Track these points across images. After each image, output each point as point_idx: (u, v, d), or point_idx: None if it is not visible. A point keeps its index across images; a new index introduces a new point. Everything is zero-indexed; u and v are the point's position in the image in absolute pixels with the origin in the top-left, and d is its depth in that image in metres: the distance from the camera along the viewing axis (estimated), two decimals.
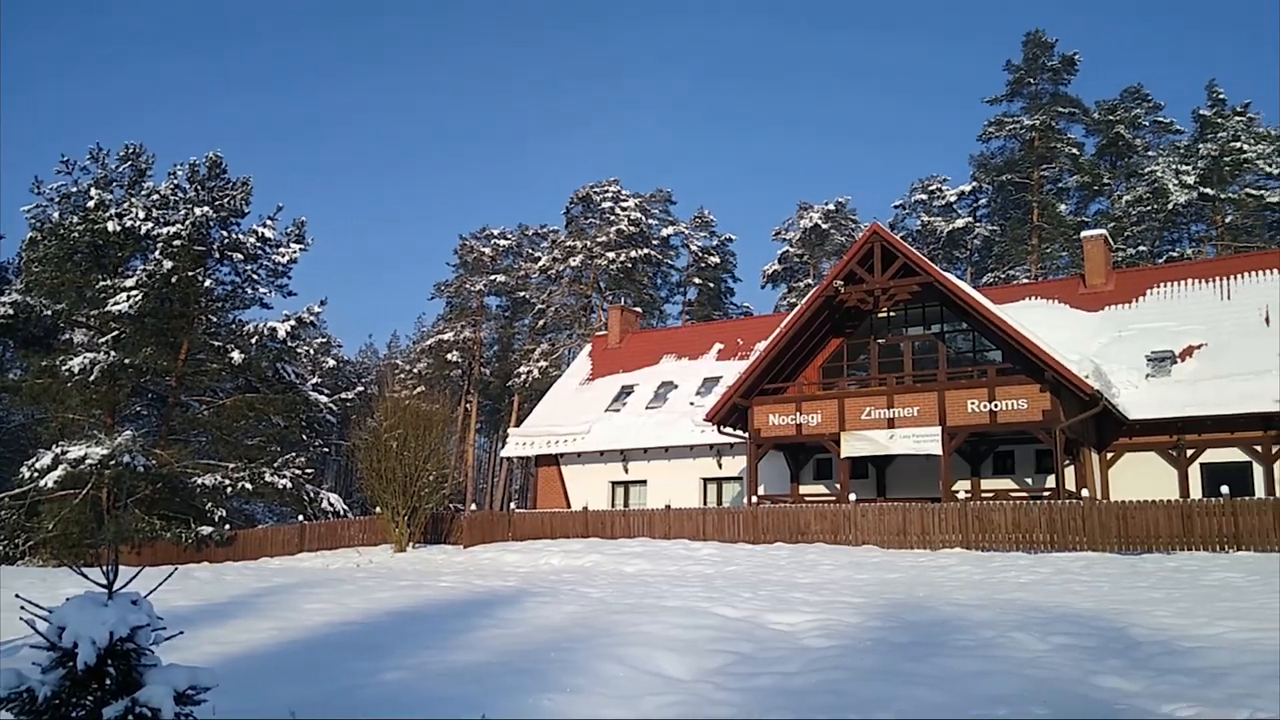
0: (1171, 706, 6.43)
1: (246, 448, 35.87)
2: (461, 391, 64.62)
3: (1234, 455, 24.75)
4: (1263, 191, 48.71)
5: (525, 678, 7.38)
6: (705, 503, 31.51)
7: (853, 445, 24.67)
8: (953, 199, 57.94)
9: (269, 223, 37.80)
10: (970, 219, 56.92)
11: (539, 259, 63.45)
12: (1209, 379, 24.86)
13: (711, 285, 64.44)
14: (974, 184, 56.97)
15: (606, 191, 62.64)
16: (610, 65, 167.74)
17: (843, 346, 27.51)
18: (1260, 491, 23.73)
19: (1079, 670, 7.56)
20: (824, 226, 60.97)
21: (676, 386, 34.64)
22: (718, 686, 7.29)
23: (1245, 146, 48.39)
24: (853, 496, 23.11)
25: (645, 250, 61.10)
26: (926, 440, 23.64)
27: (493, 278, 65.16)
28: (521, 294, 65.41)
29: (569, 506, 32.58)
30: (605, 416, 34.54)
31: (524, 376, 58.24)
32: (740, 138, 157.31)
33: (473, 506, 37.16)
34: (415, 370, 65.89)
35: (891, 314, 26.53)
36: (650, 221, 63.26)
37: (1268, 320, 26.22)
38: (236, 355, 34.18)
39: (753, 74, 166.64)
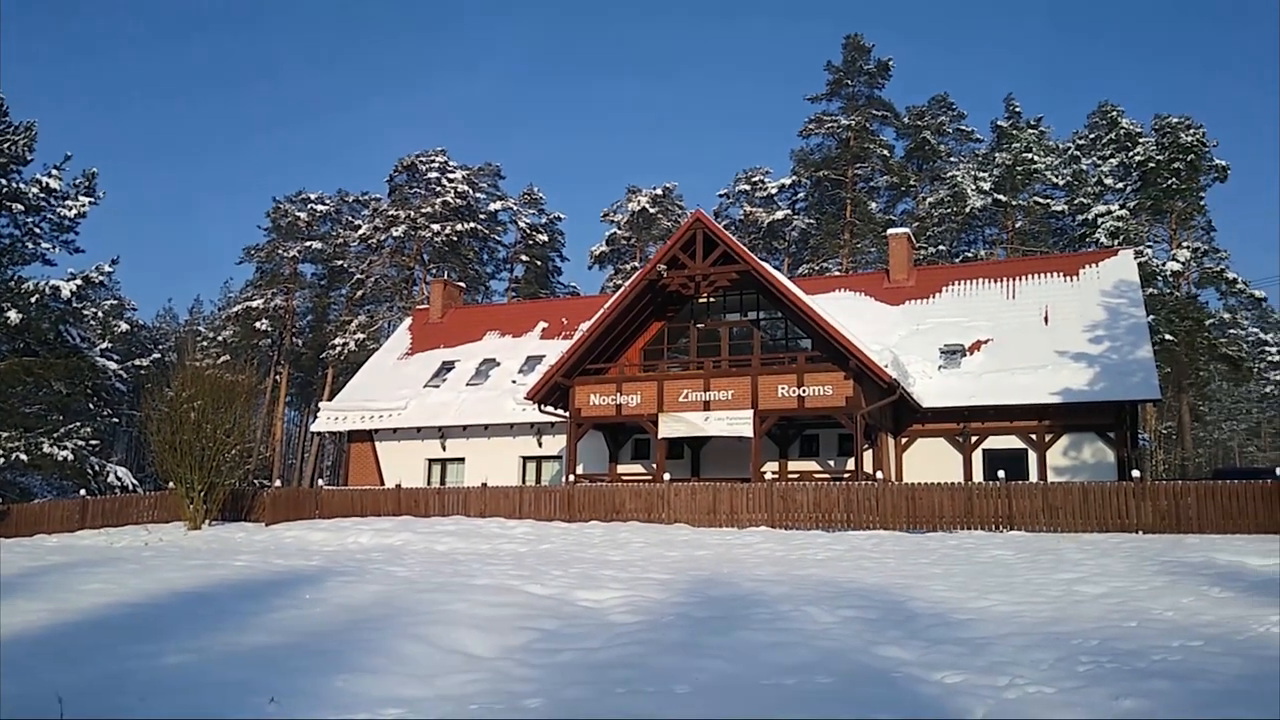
0: (941, 674, 6.91)
1: (23, 416, 32.87)
2: (271, 362, 61.62)
3: (1012, 443, 26.91)
4: (1049, 200, 53.10)
5: (319, 659, 7.12)
6: (524, 482, 31.40)
7: (670, 426, 25.19)
8: (774, 191, 59.98)
9: (54, 172, 34.63)
10: (789, 211, 59.11)
11: (359, 227, 61.18)
12: (993, 372, 26.90)
13: (539, 263, 64.16)
14: (794, 178, 59.18)
15: (433, 161, 61.06)
16: (441, 45, 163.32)
17: (664, 330, 27.99)
18: (1034, 476, 25.94)
19: (862, 641, 8.02)
20: (651, 211, 61.81)
21: (499, 364, 34.30)
22: (520, 663, 7.28)
23: (1035, 158, 52.53)
24: (667, 476, 23.62)
25: (472, 224, 60.06)
26: (739, 423, 24.44)
27: (308, 244, 62.32)
28: (339, 263, 62.89)
29: (383, 484, 31.71)
30: (424, 392, 33.77)
31: (339, 349, 56.09)
32: (572, 117, 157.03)
33: (278, 483, 35.47)
34: (220, 338, 62.28)
35: (712, 300, 27.21)
36: (478, 195, 62.23)
37: (1047, 319, 28.61)
38: (14, 315, 31.19)
39: (586, 60, 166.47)
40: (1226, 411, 70.32)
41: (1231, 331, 56.93)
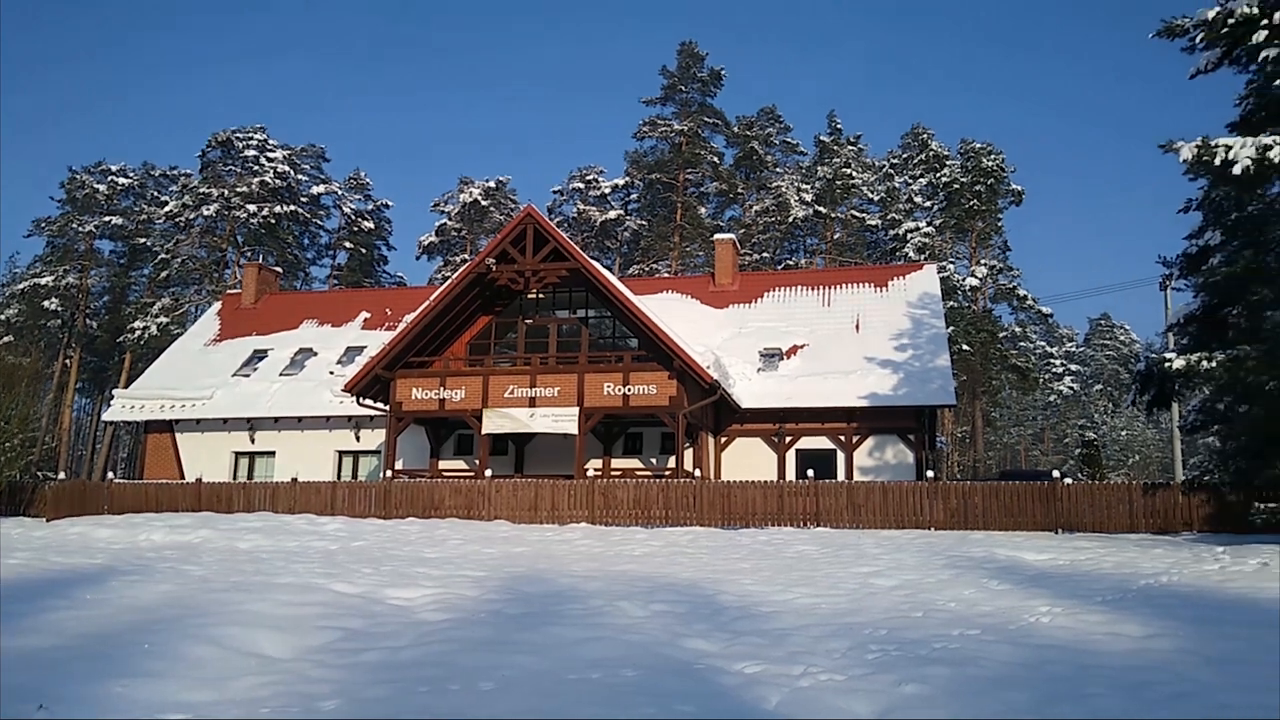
0: (742, 665, 7.13)
1: None
2: (60, 345, 56.82)
3: (823, 443, 28.21)
4: (865, 214, 56.02)
5: (96, 663, 6.60)
6: (340, 477, 30.31)
7: (494, 422, 24.93)
8: (607, 191, 60.48)
9: None
10: (622, 211, 59.75)
11: (166, 204, 57.25)
12: (808, 375, 28.10)
13: (364, 251, 62.07)
14: (627, 179, 59.87)
15: (251, 139, 57.92)
16: (266, 21, 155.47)
17: (492, 324, 27.67)
18: (841, 475, 27.27)
19: (670, 634, 8.18)
20: (484, 203, 61.03)
21: (316, 354, 32.94)
22: (319, 664, 7.00)
23: (854, 173, 55.30)
24: (489, 473, 23.36)
25: (292, 207, 57.39)
26: (565, 420, 24.47)
27: (108, 219, 57.76)
28: (142, 241, 58.65)
29: (183, 478, 29.84)
30: (233, 381, 32.00)
31: (139, 333, 52.26)
32: (403, 104, 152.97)
33: (63, 475, 32.72)
34: (2, 317, 56.85)
35: (541, 296, 27.11)
36: (300, 177, 59.52)
37: (858, 327, 30.14)
38: None
39: (421, 47, 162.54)
40: (1015, 418, 76.20)
41: (1022, 344, 61.88)
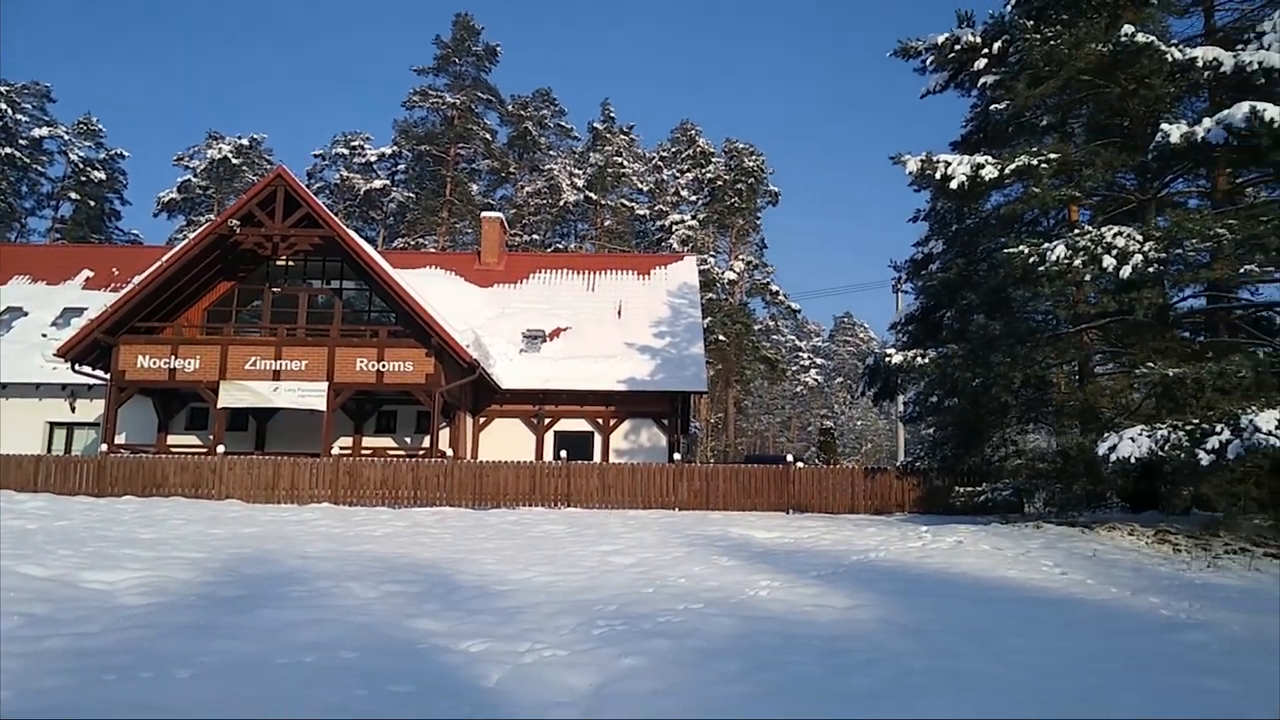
0: (468, 643, 7.03)
1: None
2: None
3: (582, 425, 28.58)
4: (634, 204, 57.17)
5: None
6: (51, 451, 27.33)
7: (233, 395, 23.34)
8: (374, 159, 58.15)
9: None
10: (388, 182, 57.65)
11: None
12: (569, 358, 28.36)
13: (93, 204, 56.18)
14: (395, 148, 57.82)
15: None
16: None
17: (234, 291, 25.82)
18: (598, 457, 27.74)
19: (398, 615, 7.94)
20: (235, 161, 56.92)
21: (27, 314, 29.51)
22: None
23: (625, 163, 56.30)
24: (221, 448, 21.82)
25: (9, 149, 51.05)
26: (312, 395, 23.31)
27: None
28: None
29: None
30: None
31: None
32: (149, 46, 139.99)
33: None
34: None
35: (291, 263, 25.57)
36: (19, 117, 53.00)
37: (620, 313, 30.72)
38: None
39: None
40: (765, 406, 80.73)
41: (774, 337, 65.64)
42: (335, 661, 6.35)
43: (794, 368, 77.58)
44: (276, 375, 23.41)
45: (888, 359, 18.37)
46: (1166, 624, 8.34)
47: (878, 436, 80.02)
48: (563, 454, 22.44)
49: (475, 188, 56.69)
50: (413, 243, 53.63)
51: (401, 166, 59.00)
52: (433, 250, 49.64)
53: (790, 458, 22.52)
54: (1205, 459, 12.22)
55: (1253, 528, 13.36)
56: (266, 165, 57.40)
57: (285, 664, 6.22)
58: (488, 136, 57.22)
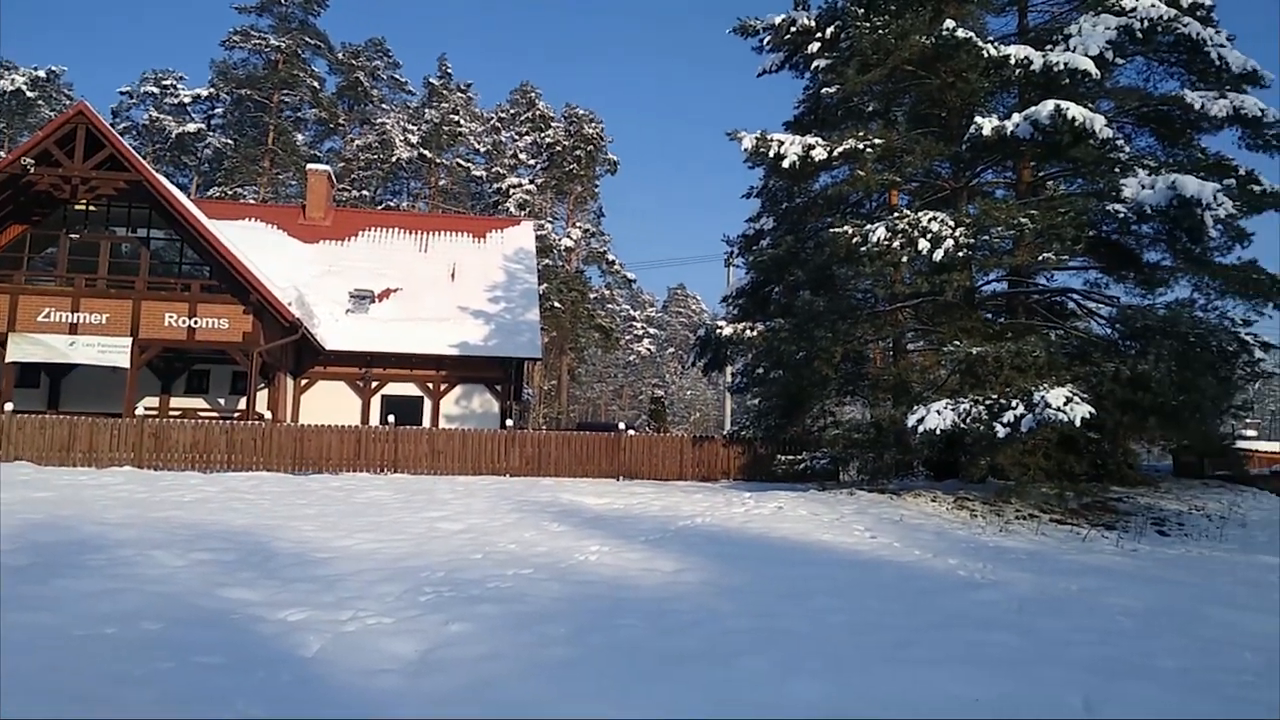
0: (286, 612, 6.76)
1: None
2: None
3: (411, 390, 27.91)
4: (470, 164, 55.96)
5: None
6: None
7: (22, 349, 21.42)
8: (188, 100, 54.29)
9: None
10: (204, 126, 54.02)
11: None
12: (400, 320, 27.57)
13: None
14: (212, 90, 54.19)
15: None
16: None
17: (26, 236, 23.53)
18: (427, 422, 27.19)
19: (208, 584, 7.54)
20: (30, 95, 51.82)
21: None
22: None
23: (462, 121, 54.94)
24: (9, 407, 20.00)
25: None
26: (114, 351, 21.68)
27: None
28: None
29: None
30: None
31: None
32: None
33: None
34: None
35: (93, 208, 23.56)
36: None
37: (454, 276, 30.08)
38: None
39: None
40: (599, 374, 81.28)
41: (609, 306, 66.01)
42: (138, 633, 5.98)
43: (628, 337, 78.44)
44: (73, 329, 21.63)
45: (718, 331, 18.86)
46: (963, 583, 8.99)
47: (706, 406, 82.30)
48: (390, 419, 21.85)
49: (301, 138, 53.95)
50: (230, 193, 50.53)
51: (219, 110, 55.35)
52: (253, 202, 46.95)
53: (622, 425, 22.82)
54: (1001, 431, 13.22)
55: (1040, 495, 14.57)
56: (67, 101, 52.56)
57: (82, 636, 5.81)
58: (315, 84, 54.46)
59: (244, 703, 4.89)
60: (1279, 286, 16.13)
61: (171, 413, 24.63)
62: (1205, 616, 7.96)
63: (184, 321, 22.22)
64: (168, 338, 22.20)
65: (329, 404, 26.92)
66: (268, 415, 22.28)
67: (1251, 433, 27.12)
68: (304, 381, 27.24)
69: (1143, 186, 14.21)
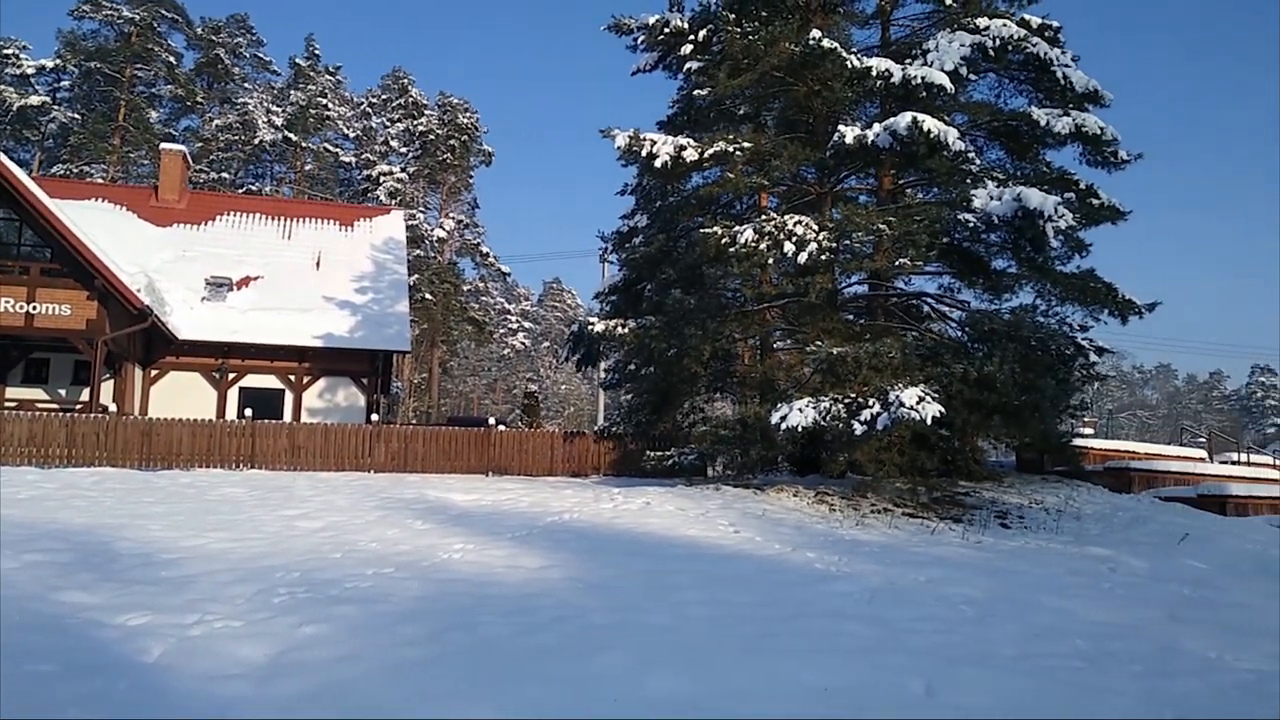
0: (127, 616, 6.45)
1: None
2: None
3: (271, 382, 26.87)
4: (339, 149, 54.25)
5: None
6: None
7: None
8: (31, 71, 50.58)
9: None
10: (49, 99, 50.49)
11: None
12: (260, 310, 26.49)
13: None
14: (59, 62, 50.70)
15: None
16: None
17: None
18: (289, 416, 26.25)
19: (42, 587, 7.11)
20: None
21: None
22: None
23: (330, 105, 53.19)
24: None
25: None
26: None
27: None
28: None
29: None
30: None
31: None
32: None
33: None
34: None
35: None
36: None
37: (319, 265, 29.11)
38: None
39: None
40: (472, 368, 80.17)
41: (483, 299, 65.18)
42: None
43: (502, 330, 77.71)
44: None
45: (590, 327, 18.90)
46: (820, 576, 9.31)
47: (581, 401, 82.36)
48: (248, 412, 21.00)
49: (155, 115, 51.08)
50: (76, 171, 47.42)
51: (66, 83, 51.78)
52: (101, 181, 44.15)
53: (492, 420, 22.58)
54: (859, 429, 13.74)
55: (894, 490, 15.23)
56: None
57: None
58: (172, 60, 51.65)
59: (78, 711, 4.66)
60: (1114, 294, 17.33)
61: (7, 404, 22.97)
62: (1040, 605, 8.50)
63: (21, 307, 20.81)
64: (2, 324, 20.74)
65: (182, 396, 25.64)
66: (113, 408, 21.07)
67: (1089, 430, 28.96)
68: (154, 372, 25.87)
69: (991, 197, 15.00)
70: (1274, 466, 23.21)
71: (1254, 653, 7.16)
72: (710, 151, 16.13)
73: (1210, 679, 6.42)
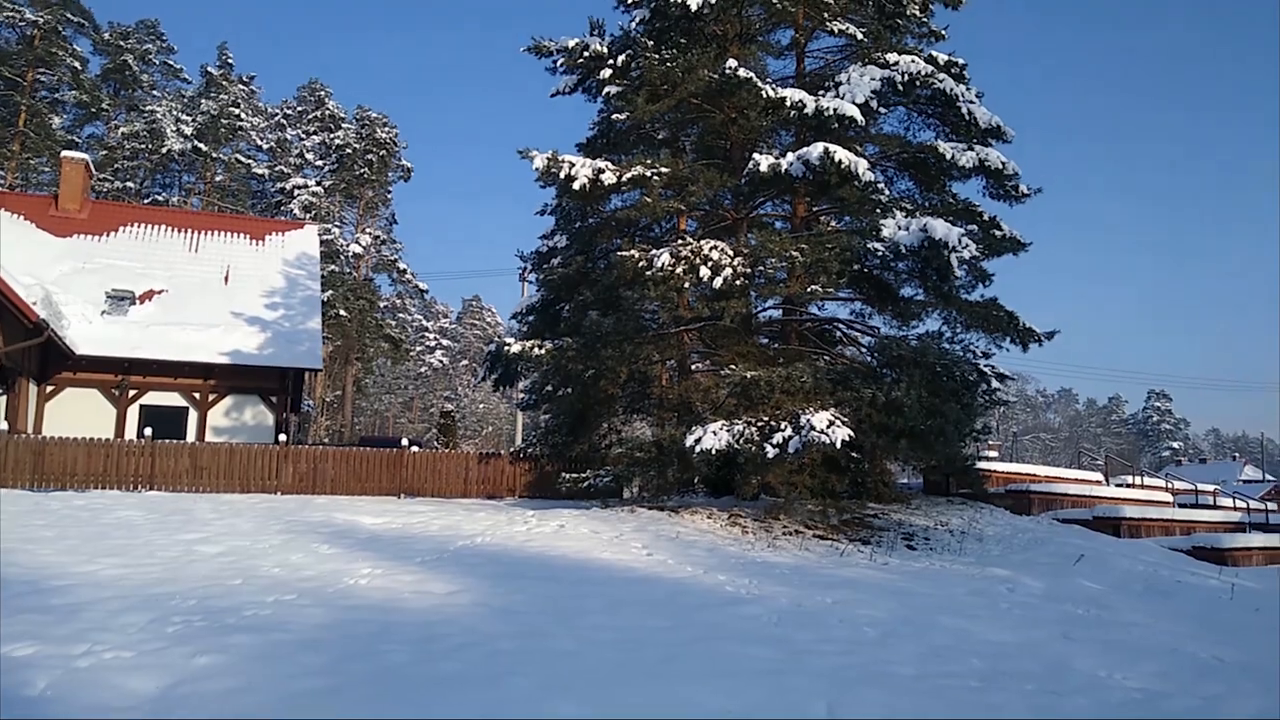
0: (11, 646, 6.18)
1: None
2: None
3: (174, 400, 25.97)
4: (251, 161, 53.01)
5: None
6: None
7: None
8: None
9: None
10: None
11: None
12: (163, 325, 25.62)
13: None
14: None
15: None
16: None
17: None
18: (193, 435, 25.40)
19: None
20: None
21: None
22: None
23: (243, 115, 51.97)
24: None
25: None
26: None
27: None
28: None
29: None
30: None
31: None
32: None
33: None
34: None
35: None
36: None
37: (227, 279, 28.33)
38: None
39: None
40: (387, 386, 78.86)
41: (400, 316, 64.22)
42: None
43: (419, 348, 76.72)
44: None
45: (508, 348, 18.80)
46: (730, 599, 9.41)
47: (500, 420, 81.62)
48: (148, 431, 20.27)
49: (57, 121, 49.15)
50: None
51: None
52: None
53: (405, 441, 22.24)
54: (771, 452, 13.95)
55: (806, 512, 15.48)
56: None
57: None
58: (77, 65, 49.81)
59: None
60: (1015, 322, 17.98)
61: None
62: (940, 625, 8.74)
63: None
64: None
65: (79, 414, 24.57)
66: (3, 426, 20.10)
67: (993, 454, 29.86)
68: (50, 389, 24.78)
69: (900, 227, 15.45)
70: (1166, 490, 24.27)
71: (1141, 671, 7.49)
72: (628, 175, 16.26)
73: (1098, 696, 6.70)
